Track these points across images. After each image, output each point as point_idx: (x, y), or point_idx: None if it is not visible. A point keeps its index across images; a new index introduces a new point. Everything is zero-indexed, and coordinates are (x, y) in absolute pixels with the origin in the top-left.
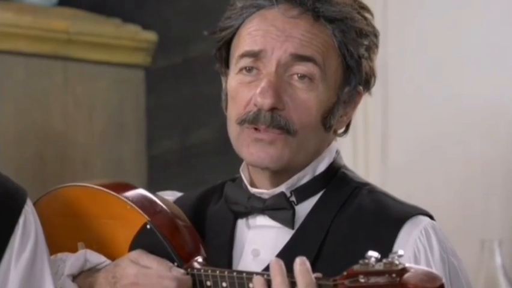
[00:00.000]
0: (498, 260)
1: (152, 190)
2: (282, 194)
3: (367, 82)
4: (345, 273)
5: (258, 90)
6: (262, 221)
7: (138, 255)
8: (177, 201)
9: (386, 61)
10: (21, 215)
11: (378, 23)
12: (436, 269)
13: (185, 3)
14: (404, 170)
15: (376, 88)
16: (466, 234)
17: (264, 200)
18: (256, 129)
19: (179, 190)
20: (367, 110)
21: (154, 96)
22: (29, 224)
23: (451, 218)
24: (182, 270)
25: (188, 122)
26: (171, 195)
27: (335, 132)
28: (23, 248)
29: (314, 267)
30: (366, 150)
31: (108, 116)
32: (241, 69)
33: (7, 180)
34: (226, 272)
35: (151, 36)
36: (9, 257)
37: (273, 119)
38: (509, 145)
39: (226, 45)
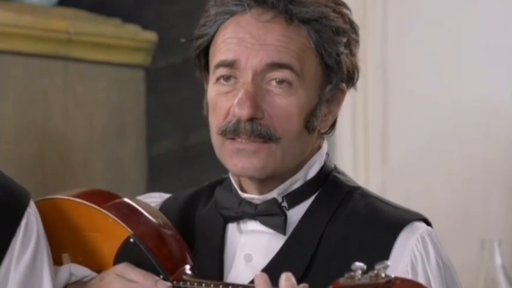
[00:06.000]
0: (498, 260)
1: (152, 190)
2: (274, 200)
3: (350, 78)
4: (331, 286)
5: (236, 101)
6: (253, 225)
7: (123, 269)
8: (164, 204)
9: (386, 61)
10: (24, 217)
11: (378, 22)
12: (433, 277)
13: (185, 3)
14: (404, 170)
15: (376, 88)
16: (466, 234)
17: (255, 206)
18: (234, 139)
19: (179, 190)
20: (367, 110)
21: (154, 96)
22: (30, 227)
23: (451, 218)
24: (168, 284)
25: (188, 122)
26: (158, 197)
27: (319, 132)
28: (24, 250)
29: (308, 274)
30: (366, 150)
31: (108, 116)
32: (218, 79)
33: (10, 181)
34: (212, 285)
35: (151, 36)
36: (10, 259)
37: (254, 129)
38: (509, 145)
39: (204, 53)
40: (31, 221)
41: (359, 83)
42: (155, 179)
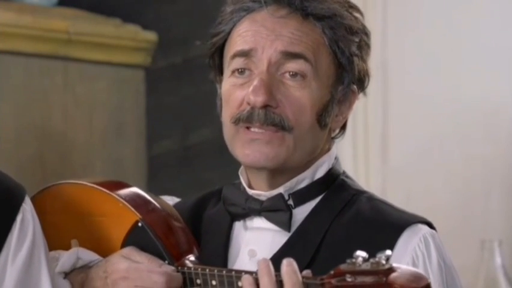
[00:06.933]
0: (498, 260)
1: (152, 190)
2: (280, 195)
3: (361, 81)
4: (332, 272)
5: (251, 88)
6: (259, 223)
7: (129, 251)
8: (174, 207)
9: (386, 61)
10: (19, 213)
11: (378, 23)
12: (433, 276)
13: (185, 3)
14: (404, 170)
15: (376, 88)
16: (466, 234)
17: (261, 202)
18: (248, 128)
19: (179, 190)
20: (367, 110)
21: (154, 96)
22: (26, 222)
23: (451, 218)
24: (172, 267)
25: (188, 122)
26: (170, 200)
27: (330, 132)
28: (20, 246)
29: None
30: (366, 150)
31: (108, 116)
32: (233, 72)
33: (6, 178)
34: (215, 271)
35: (151, 36)
36: (6, 254)
37: (267, 117)
38: (509, 145)
39: (219, 52)
40: (27, 217)
41: None
42: (155, 179)
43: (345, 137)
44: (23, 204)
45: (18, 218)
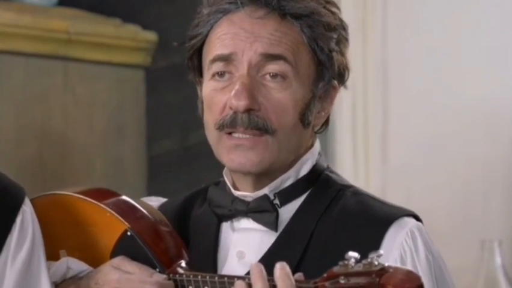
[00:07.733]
0: (498, 260)
1: (153, 190)
2: (266, 196)
3: (341, 76)
4: (325, 274)
5: (232, 93)
6: (246, 223)
7: (120, 261)
8: (161, 207)
9: (386, 61)
10: (19, 214)
11: (378, 23)
12: (422, 270)
13: (185, 3)
14: (404, 170)
15: (376, 88)
16: (466, 234)
17: (247, 203)
18: (230, 133)
19: (179, 190)
20: (367, 110)
21: (154, 96)
22: (26, 223)
23: (450, 218)
24: (164, 276)
25: (188, 122)
26: (156, 201)
27: (313, 128)
28: (20, 247)
29: (299, 270)
30: (366, 150)
31: (108, 116)
32: (213, 75)
33: (5, 178)
34: (207, 277)
35: (151, 36)
36: (6, 256)
37: (251, 120)
38: (509, 145)
39: (197, 53)
40: (27, 219)
41: (359, 83)
42: (155, 179)
43: (345, 137)
44: (23, 206)
45: (18, 219)
